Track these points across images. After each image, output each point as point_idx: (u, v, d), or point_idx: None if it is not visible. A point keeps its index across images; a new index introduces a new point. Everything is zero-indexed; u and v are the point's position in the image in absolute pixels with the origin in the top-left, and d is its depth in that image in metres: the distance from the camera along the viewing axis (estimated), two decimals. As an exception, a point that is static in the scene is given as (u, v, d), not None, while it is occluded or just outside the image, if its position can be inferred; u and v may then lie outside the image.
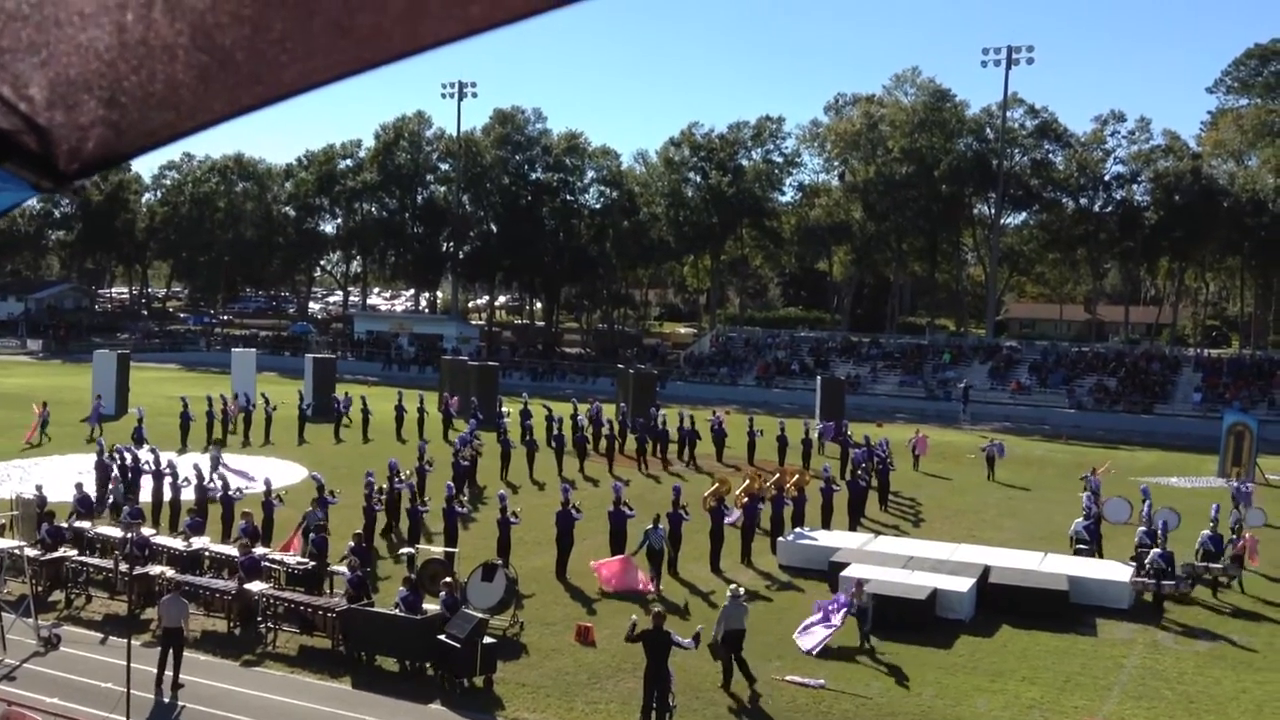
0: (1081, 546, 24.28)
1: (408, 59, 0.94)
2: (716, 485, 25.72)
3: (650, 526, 21.84)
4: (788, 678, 16.94)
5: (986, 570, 21.89)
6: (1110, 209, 76.21)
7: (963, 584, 20.97)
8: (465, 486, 29.73)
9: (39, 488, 23.80)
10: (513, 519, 22.38)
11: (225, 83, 0.97)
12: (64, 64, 0.95)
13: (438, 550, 21.35)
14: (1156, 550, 21.96)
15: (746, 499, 24.89)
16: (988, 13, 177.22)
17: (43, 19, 0.92)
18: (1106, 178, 76.31)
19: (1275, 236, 69.83)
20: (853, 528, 27.51)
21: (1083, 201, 77.06)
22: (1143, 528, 24.74)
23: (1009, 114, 75.75)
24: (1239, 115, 77.22)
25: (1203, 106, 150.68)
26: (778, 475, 27.97)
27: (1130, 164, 75.59)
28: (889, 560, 22.69)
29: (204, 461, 28.04)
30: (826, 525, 26.69)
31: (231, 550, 20.51)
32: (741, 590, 18.27)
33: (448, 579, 18.03)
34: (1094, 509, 25.76)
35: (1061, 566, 22.49)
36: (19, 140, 1.00)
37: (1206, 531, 23.74)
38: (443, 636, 16.37)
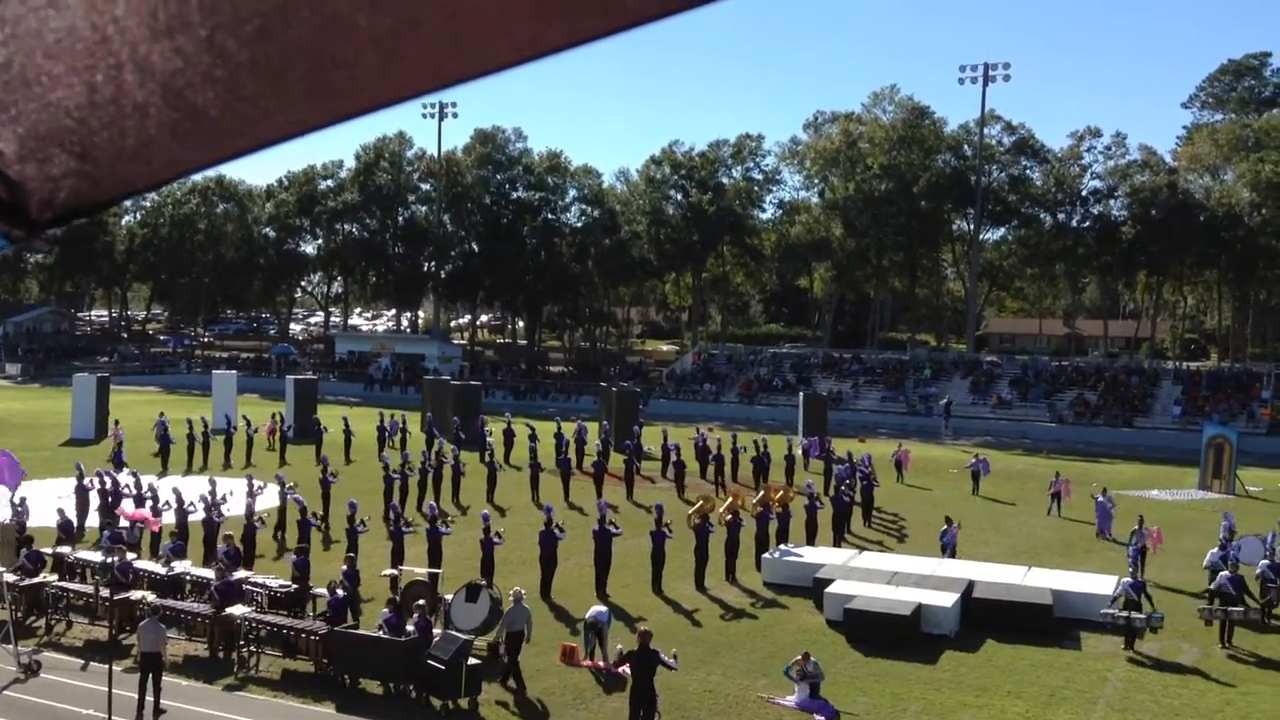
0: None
1: (385, 110, 0.95)
2: (701, 503, 25.71)
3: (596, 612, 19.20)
4: (773, 699, 16.90)
5: (971, 585, 21.92)
6: (1088, 224, 76.70)
7: (947, 599, 21.00)
8: (402, 503, 29.65)
9: (17, 512, 23.59)
10: (496, 539, 22.34)
11: (199, 137, 0.96)
12: (33, 121, 0.95)
13: (421, 572, 21.26)
14: (1127, 580, 20.84)
15: (730, 516, 24.89)
16: (965, 31, 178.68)
17: (10, 78, 0.93)
18: (1084, 193, 76.85)
19: (1251, 250, 70.37)
20: (837, 543, 27.53)
21: (1060, 217, 77.55)
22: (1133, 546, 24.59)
23: (986, 130, 76.31)
24: (1214, 130, 77.90)
25: (1178, 121, 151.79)
26: (762, 492, 28.00)
27: (1107, 179, 76.15)
28: (873, 576, 22.72)
29: (184, 485, 27.87)
30: (811, 541, 26.70)
31: (212, 574, 20.38)
32: (523, 592, 18.30)
33: (420, 601, 17.96)
34: (1229, 543, 24.09)
35: (1045, 580, 22.55)
36: None
37: (1226, 573, 21.43)
38: (428, 659, 16.29)
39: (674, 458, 36.53)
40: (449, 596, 19.25)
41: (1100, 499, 30.85)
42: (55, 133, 0.96)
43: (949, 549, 25.80)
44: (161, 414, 41.96)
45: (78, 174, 1.00)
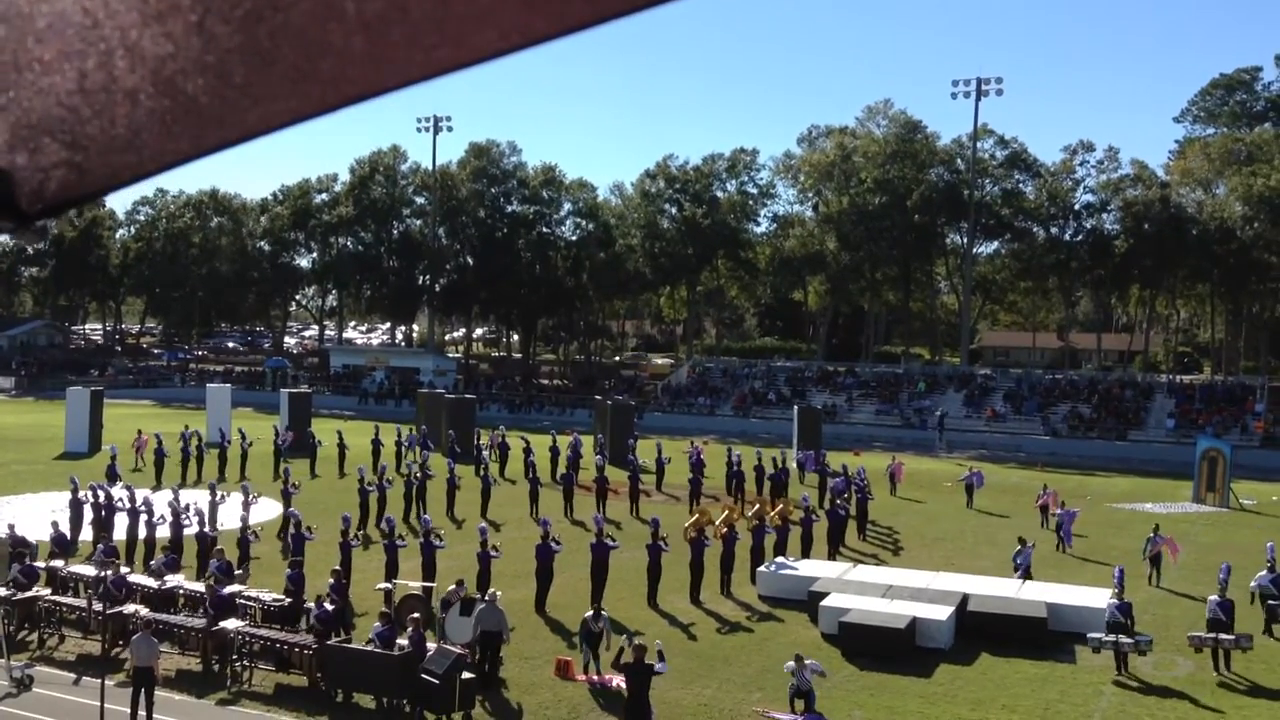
0: (1272, 602, 22.14)
1: (373, 100, 0.96)
2: (696, 516, 25.66)
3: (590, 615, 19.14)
4: (769, 713, 16.86)
5: (965, 598, 21.91)
6: (1081, 237, 76.87)
7: (942, 612, 20.98)
8: (380, 516, 29.50)
9: (11, 527, 23.49)
10: (493, 553, 22.29)
11: (188, 126, 0.97)
12: (25, 108, 0.96)
13: (416, 585, 21.20)
14: (1113, 601, 20.29)
15: (726, 529, 24.86)
16: (957, 45, 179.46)
17: (2, 64, 0.93)
18: (1076, 207, 77.02)
19: (1244, 263, 70.54)
20: (832, 557, 27.50)
21: (1053, 230, 77.71)
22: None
23: (979, 144, 76.53)
24: (1206, 144, 78.17)
25: (1170, 136, 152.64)
26: (757, 505, 27.96)
27: (1100, 193, 76.36)
28: (868, 589, 22.69)
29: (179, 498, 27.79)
30: (806, 555, 26.67)
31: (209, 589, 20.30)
32: (498, 594, 18.60)
33: (415, 615, 17.90)
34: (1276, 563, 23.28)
35: (1039, 594, 22.53)
36: None
37: (1214, 597, 20.48)
38: (422, 673, 16.22)
39: (690, 474, 36.41)
40: (455, 589, 19.31)
41: (1059, 511, 31.07)
42: (46, 121, 0.97)
43: (1022, 569, 24.84)
44: (186, 426, 41.76)
45: (68, 164, 1.01)
